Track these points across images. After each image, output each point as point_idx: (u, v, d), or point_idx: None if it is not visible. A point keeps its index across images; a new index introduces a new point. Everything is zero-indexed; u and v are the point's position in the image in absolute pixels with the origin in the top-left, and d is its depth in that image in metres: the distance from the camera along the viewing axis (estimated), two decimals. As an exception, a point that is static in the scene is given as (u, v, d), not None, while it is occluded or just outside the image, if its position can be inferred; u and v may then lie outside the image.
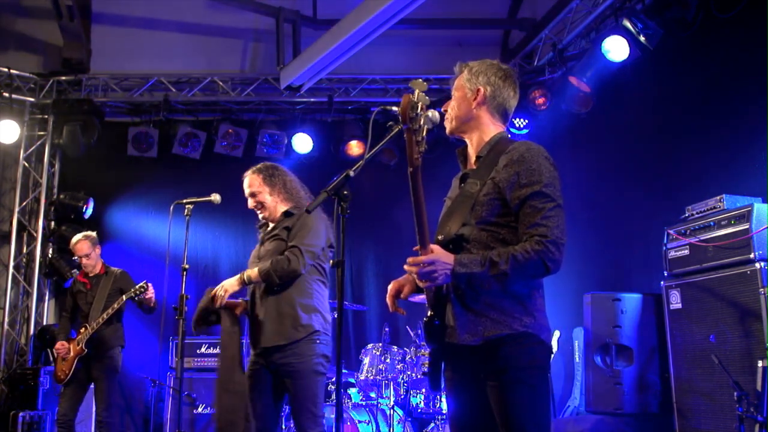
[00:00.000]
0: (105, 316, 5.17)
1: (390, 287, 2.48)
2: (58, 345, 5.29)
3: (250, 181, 3.74)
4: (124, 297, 5.17)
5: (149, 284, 5.11)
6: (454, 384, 2.40)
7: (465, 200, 2.30)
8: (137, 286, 5.12)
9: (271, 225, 3.77)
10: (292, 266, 3.46)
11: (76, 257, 5.55)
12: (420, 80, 2.06)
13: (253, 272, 3.50)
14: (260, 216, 3.78)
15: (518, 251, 2.15)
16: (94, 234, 5.60)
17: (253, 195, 3.71)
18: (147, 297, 5.12)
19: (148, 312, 5.31)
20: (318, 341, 3.53)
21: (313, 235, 3.57)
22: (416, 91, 2.02)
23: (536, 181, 2.20)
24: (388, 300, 2.46)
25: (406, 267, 2.18)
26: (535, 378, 2.22)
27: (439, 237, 2.32)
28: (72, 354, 5.22)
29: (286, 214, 3.71)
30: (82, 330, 5.24)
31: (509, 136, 2.44)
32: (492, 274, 2.14)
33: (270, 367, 3.51)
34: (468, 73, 2.45)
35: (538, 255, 2.13)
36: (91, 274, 5.47)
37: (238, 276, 3.54)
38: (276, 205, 3.73)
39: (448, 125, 2.46)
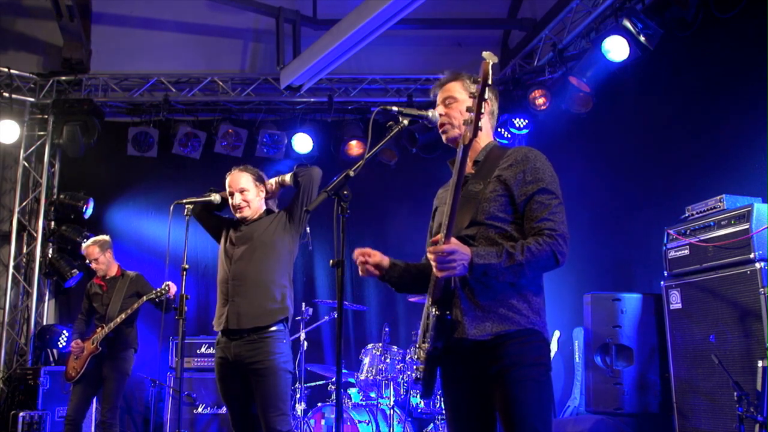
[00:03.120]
0: (123, 315, 5.22)
1: (374, 256, 2.47)
2: (73, 344, 5.32)
3: (241, 177, 3.85)
4: (145, 298, 5.19)
5: (171, 285, 5.12)
6: (454, 381, 2.41)
7: (470, 199, 2.33)
8: (160, 289, 5.12)
9: (248, 224, 3.87)
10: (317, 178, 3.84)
11: (87, 261, 5.60)
12: (491, 53, 2.08)
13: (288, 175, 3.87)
14: (238, 215, 3.85)
15: (532, 244, 2.23)
16: (105, 238, 5.61)
17: (242, 191, 3.82)
18: (170, 297, 5.14)
19: (166, 311, 5.31)
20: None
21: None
22: (490, 62, 2.07)
23: (541, 179, 2.31)
24: (363, 258, 2.45)
25: (429, 254, 2.19)
26: (541, 374, 2.28)
27: None
28: (86, 352, 5.23)
29: (269, 212, 3.89)
30: (98, 330, 5.27)
31: (499, 144, 2.54)
32: (508, 265, 2.19)
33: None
34: (471, 82, 2.47)
35: (550, 247, 2.23)
36: (107, 277, 5.50)
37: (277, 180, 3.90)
38: (258, 209, 3.87)
39: (452, 132, 2.47)
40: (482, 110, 2.08)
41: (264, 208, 3.90)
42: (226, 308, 3.67)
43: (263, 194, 3.90)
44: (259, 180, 3.89)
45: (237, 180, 3.85)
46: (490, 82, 2.06)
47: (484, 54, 2.05)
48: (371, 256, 2.47)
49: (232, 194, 3.85)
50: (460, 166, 2.14)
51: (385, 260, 2.50)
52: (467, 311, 2.27)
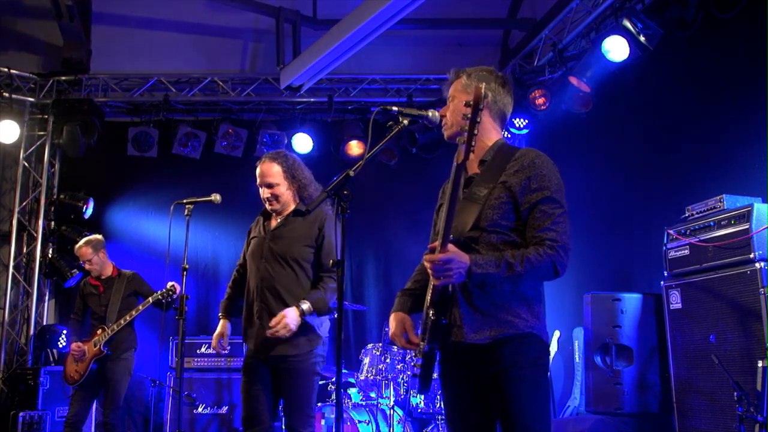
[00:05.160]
0: (128, 317, 5.21)
1: (395, 330, 2.46)
2: (74, 346, 5.26)
3: (269, 170, 3.60)
4: (151, 299, 5.17)
5: (177, 285, 5.11)
6: (453, 382, 2.41)
7: (474, 202, 2.31)
8: (166, 289, 5.11)
9: (278, 219, 3.66)
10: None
11: (81, 262, 5.58)
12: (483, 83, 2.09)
13: (309, 307, 3.44)
14: (269, 208, 3.64)
15: (532, 254, 2.20)
16: (97, 237, 5.58)
17: (269, 186, 3.59)
18: (175, 298, 5.14)
19: (166, 309, 5.30)
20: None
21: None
22: (484, 85, 2.09)
23: (546, 187, 2.28)
24: (402, 341, 2.43)
25: (425, 263, 2.18)
26: (537, 375, 2.27)
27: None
28: (88, 355, 5.21)
29: (296, 212, 3.62)
30: (99, 332, 5.23)
31: (507, 142, 2.51)
32: (507, 275, 2.18)
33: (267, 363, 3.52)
34: (467, 79, 2.45)
35: (550, 258, 2.21)
36: (102, 277, 5.48)
37: (296, 313, 3.41)
38: (290, 201, 3.64)
39: (449, 130, 2.46)
40: (475, 131, 2.07)
41: (295, 201, 3.65)
42: (253, 329, 3.54)
43: (295, 187, 3.64)
44: (291, 170, 3.62)
45: (266, 173, 3.59)
46: (481, 107, 2.06)
47: (477, 84, 2.06)
48: (398, 333, 2.45)
49: (260, 185, 3.63)
50: (454, 185, 2.13)
51: (407, 320, 2.48)
52: (465, 315, 2.27)
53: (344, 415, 5.28)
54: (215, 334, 3.75)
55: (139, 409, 6.84)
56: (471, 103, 2.06)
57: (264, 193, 3.62)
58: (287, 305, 3.46)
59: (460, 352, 2.30)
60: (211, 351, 6.32)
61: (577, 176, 5.78)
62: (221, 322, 3.77)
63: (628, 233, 5.72)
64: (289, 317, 3.37)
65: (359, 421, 5.32)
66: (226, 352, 3.82)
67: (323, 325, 3.60)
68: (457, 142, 2.14)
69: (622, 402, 4.67)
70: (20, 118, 7.28)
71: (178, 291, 5.09)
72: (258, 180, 3.64)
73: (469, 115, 2.07)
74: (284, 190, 3.61)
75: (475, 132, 2.08)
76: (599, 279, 5.87)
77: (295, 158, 3.73)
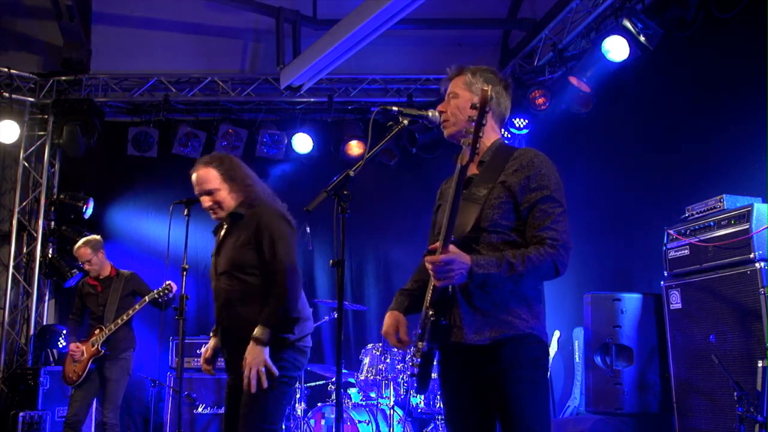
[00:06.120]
0: (125, 317, 5.22)
1: (388, 327, 2.48)
2: (72, 346, 5.27)
3: (205, 175, 3.28)
4: (147, 298, 5.18)
5: (173, 284, 5.12)
6: (453, 383, 2.41)
7: (473, 203, 2.30)
8: (162, 288, 5.12)
9: (224, 229, 3.39)
10: (297, 293, 3.16)
11: (80, 262, 5.58)
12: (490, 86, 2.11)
13: (264, 331, 3.03)
14: (213, 217, 3.38)
15: (533, 253, 2.20)
16: (96, 238, 5.59)
17: (209, 193, 3.29)
18: (171, 297, 5.15)
19: (164, 308, 5.30)
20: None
21: (290, 246, 3.21)
22: (490, 87, 2.09)
23: (545, 186, 2.27)
24: (393, 339, 2.46)
25: (426, 264, 2.17)
26: (536, 376, 2.27)
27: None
28: (86, 355, 5.21)
29: (233, 216, 3.31)
30: (97, 332, 5.24)
31: (505, 142, 2.51)
32: (508, 275, 2.18)
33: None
34: (472, 77, 2.44)
35: (551, 258, 2.21)
36: (101, 277, 5.48)
37: (257, 347, 3.01)
38: (232, 205, 3.32)
39: (451, 129, 2.45)
40: (480, 133, 2.07)
41: (236, 202, 3.31)
42: (225, 353, 3.36)
43: (237, 189, 3.31)
44: (229, 173, 3.29)
45: (202, 179, 3.29)
46: (487, 109, 2.06)
47: (483, 86, 2.07)
48: (390, 331, 2.47)
49: (199, 195, 3.33)
50: (457, 186, 2.12)
51: (401, 319, 2.50)
52: (466, 315, 2.27)
53: (344, 415, 5.28)
54: (204, 351, 3.56)
55: (139, 409, 6.85)
56: (477, 105, 2.05)
57: (205, 202, 3.33)
58: (247, 322, 3.13)
59: (460, 353, 2.30)
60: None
61: (577, 176, 5.79)
62: (211, 340, 3.60)
63: (628, 233, 5.72)
64: (251, 363, 3.01)
65: (359, 421, 5.32)
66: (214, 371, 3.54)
67: (299, 331, 3.21)
68: (462, 144, 2.13)
69: (622, 402, 4.67)
70: (20, 118, 7.28)
71: (174, 289, 5.11)
72: (195, 189, 3.35)
73: (475, 117, 2.06)
74: (226, 195, 3.29)
75: (481, 134, 2.08)
76: (599, 279, 5.87)
77: (232, 158, 3.43)
